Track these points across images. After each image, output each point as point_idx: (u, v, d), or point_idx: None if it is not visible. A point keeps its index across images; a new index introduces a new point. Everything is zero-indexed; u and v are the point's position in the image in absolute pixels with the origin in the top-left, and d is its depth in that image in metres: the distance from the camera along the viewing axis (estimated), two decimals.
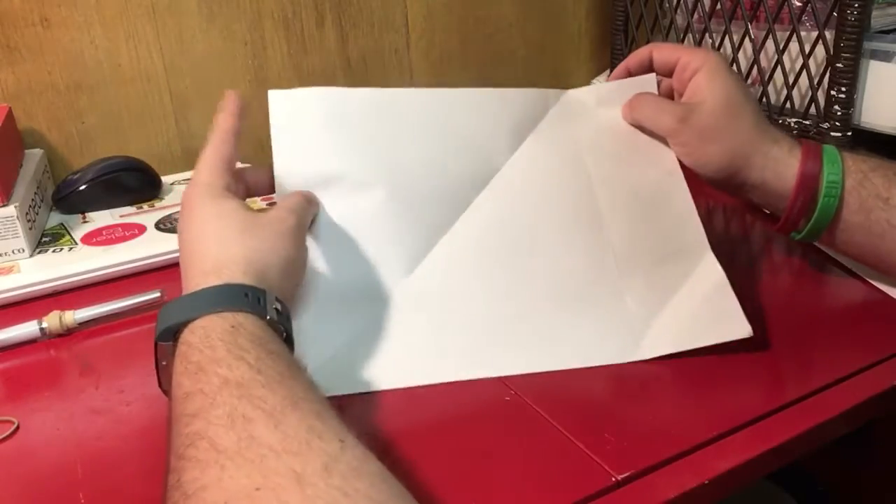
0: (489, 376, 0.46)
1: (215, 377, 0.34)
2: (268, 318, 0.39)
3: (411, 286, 0.50)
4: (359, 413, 0.44)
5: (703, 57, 0.54)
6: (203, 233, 0.43)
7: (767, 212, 0.58)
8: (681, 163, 0.55)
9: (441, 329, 0.49)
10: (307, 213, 0.49)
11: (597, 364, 0.47)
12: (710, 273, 0.50)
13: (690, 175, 0.55)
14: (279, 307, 0.40)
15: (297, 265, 0.46)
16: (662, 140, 0.55)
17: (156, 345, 0.40)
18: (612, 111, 0.56)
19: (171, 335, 0.39)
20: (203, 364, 0.35)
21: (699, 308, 0.49)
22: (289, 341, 0.41)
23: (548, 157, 0.54)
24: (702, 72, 0.53)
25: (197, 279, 0.41)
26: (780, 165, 0.51)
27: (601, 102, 0.56)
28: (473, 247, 0.52)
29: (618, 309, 0.50)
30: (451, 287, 0.51)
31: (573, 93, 0.57)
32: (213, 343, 0.36)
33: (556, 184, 0.54)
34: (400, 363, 0.47)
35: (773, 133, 0.53)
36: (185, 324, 0.38)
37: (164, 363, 0.40)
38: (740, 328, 0.46)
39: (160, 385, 0.41)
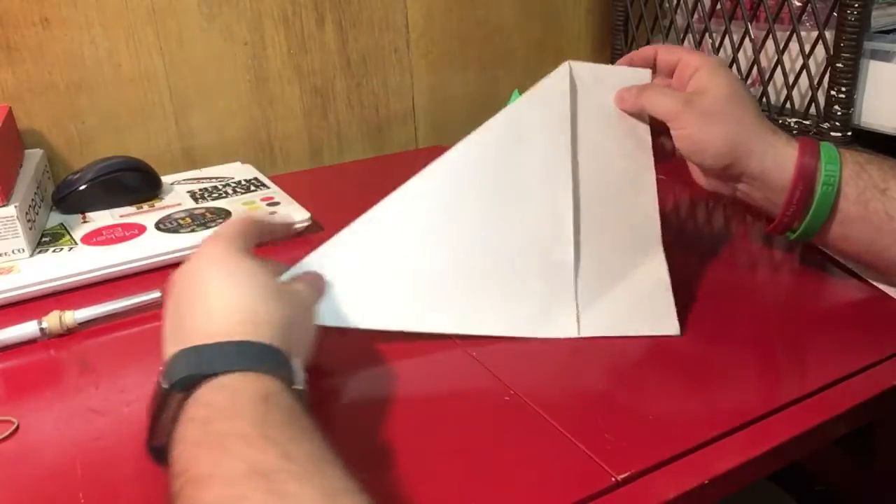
0: (442, 332, 0.49)
1: (240, 461, 0.29)
2: (300, 387, 0.36)
3: (382, 234, 0.51)
4: (358, 413, 0.44)
5: (704, 57, 0.55)
6: (230, 285, 0.39)
7: (759, 215, 0.58)
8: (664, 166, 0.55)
9: (396, 280, 0.50)
10: (319, 295, 0.47)
11: (540, 336, 0.50)
12: (657, 271, 0.53)
13: (685, 180, 0.55)
14: (304, 376, 0.38)
15: (312, 340, 0.44)
16: (645, 136, 0.55)
17: (160, 393, 0.34)
18: (605, 93, 0.56)
19: (185, 386, 0.34)
20: (226, 439, 0.30)
21: (638, 300, 0.52)
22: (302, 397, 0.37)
23: (532, 122, 0.54)
24: (703, 69, 0.54)
25: (223, 327, 0.37)
26: (780, 154, 0.52)
27: (597, 81, 0.56)
28: (444, 200, 0.52)
29: (568, 286, 0.51)
30: (415, 239, 0.51)
31: (575, 66, 0.56)
32: (241, 410, 0.31)
33: (533, 148, 0.53)
34: (359, 305, 0.49)
35: (772, 126, 0.53)
36: (206, 377, 0.33)
37: (165, 415, 0.34)
38: (671, 326, 0.50)
39: (150, 440, 0.35)
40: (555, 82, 0.54)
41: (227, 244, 0.42)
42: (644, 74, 0.57)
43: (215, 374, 0.34)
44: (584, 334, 0.50)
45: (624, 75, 0.57)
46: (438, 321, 0.50)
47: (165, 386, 0.34)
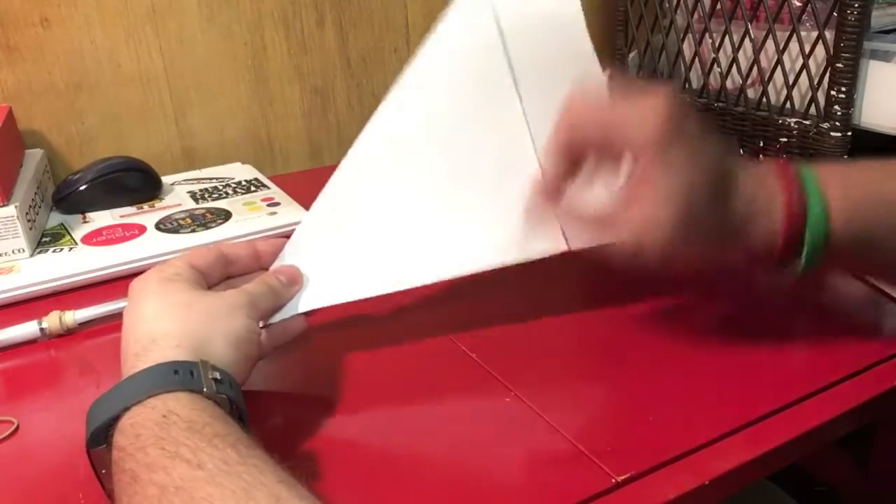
0: (433, 281, 0.48)
1: (152, 487, 0.30)
2: (204, 390, 0.36)
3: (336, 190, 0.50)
4: (357, 414, 0.44)
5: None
6: (140, 314, 0.40)
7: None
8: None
9: (374, 244, 0.49)
10: (266, 297, 0.45)
11: (531, 258, 0.49)
12: None
13: None
14: (218, 375, 0.37)
15: (245, 338, 0.42)
16: (583, 39, 0.52)
17: (88, 452, 0.36)
18: (531, 6, 0.52)
19: (104, 437, 0.35)
20: (137, 472, 0.31)
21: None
22: (238, 409, 0.38)
23: (461, 44, 0.51)
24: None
25: (127, 365, 0.38)
26: (759, 169, 0.44)
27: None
28: (395, 148, 0.50)
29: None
30: (379, 197, 0.50)
31: None
32: (143, 443, 0.32)
33: (469, 71, 0.51)
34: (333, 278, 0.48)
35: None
36: (114, 420, 0.34)
37: (104, 471, 0.35)
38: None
39: (105, 493, 0.36)
40: (472, 3, 0.51)
41: (146, 278, 0.43)
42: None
43: (119, 417, 0.34)
44: (573, 247, 0.49)
45: None
46: (425, 272, 0.49)
47: (86, 448, 0.36)
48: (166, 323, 0.39)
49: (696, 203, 0.41)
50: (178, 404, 0.34)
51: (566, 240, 0.49)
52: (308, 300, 0.47)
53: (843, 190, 0.43)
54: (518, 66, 0.51)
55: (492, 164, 0.50)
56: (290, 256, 0.49)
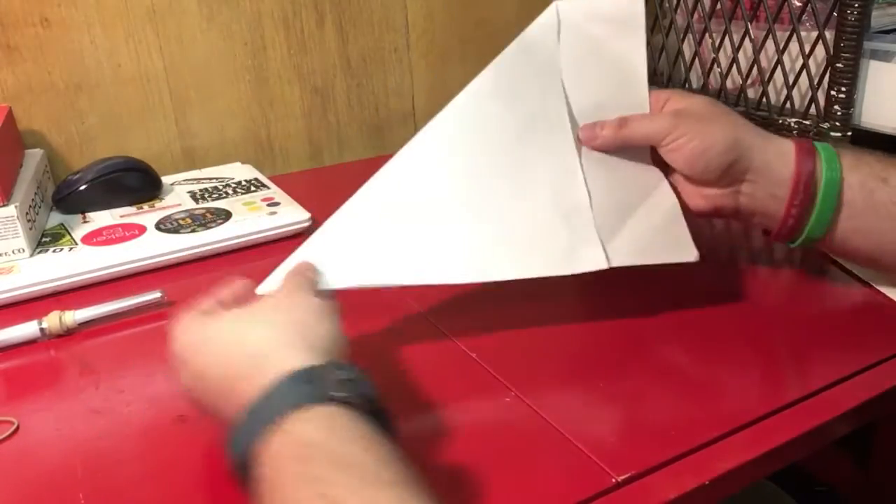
0: (472, 281, 0.49)
1: None
2: (337, 397, 0.34)
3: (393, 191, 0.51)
4: None
5: (669, 90, 0.55)
6: (219, 341, 0.39)
7: (760, 225, 0.57)
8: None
9: (418, 233, 0.50)
10: (313, 283, 0.45)
11: (571, 272, 0.49)
12: (666, 200, 0.53)
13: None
14: (345, 375, 0.35)
15: (331, 310, 0.41)
16: (636, 72, 0.55)
17: (239, 479, 0.35)
18: (596, 27, 0.55)
19: (245, 469, 0.34)
20: None
21: (655, 229, 0.52)
22: (369, 401, 0.36)
23: (524, 69, 0.54)
24: (673, 96, 0.54)
25: (236, 392, 0.36)
26: (779, 145, 0.51)
27: (587, 15, 0.55)
28: (447, 156, 0.52)
29: (588, 222, 0.51)
30: (427, 193, 0.50)
31: (561, 5, 0.55)
32: (286, 479, 0.31)
33: (527, 95, 0.53)
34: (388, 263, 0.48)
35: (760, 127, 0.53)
36: (253, 451, 0.33)
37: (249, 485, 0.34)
38: (690, 252, 0.52)
39: None
40: (541, 25, 0.54)
41: (191, 317, 0.41)
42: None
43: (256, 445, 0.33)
44: (613, 264, 0.50)
45: (614, 4, 0.55)
46: (465, 271, 0.49)
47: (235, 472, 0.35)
48: (262, 333, 0.38)
49: (740, 138, 0.50)
50: (313, 428, 0.33)
51: (607, 258, 0.50)
52: (339, 279, 0.47)
53: (854, 157, 0.50)
54: (572, 90, 0.54)
55: (540, 180, 0.51)
56: (327, 234, 0.49)
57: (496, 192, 0.51)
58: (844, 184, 0.49)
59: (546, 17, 0.55)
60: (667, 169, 0.54)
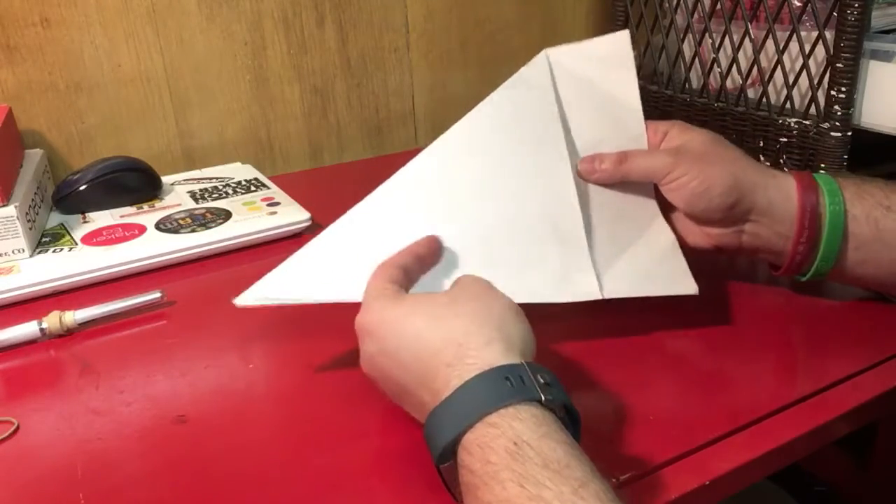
0: None
1: None
2: (543, 400, 0.34)
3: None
4: (356, 415, 0.44)
5: (669, 122, 0.54)
6: (414, 330, 0.39)
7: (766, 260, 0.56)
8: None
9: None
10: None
11: (563, 301, 0.48)
12: (662, 234, 0.54)
13: None
14: (543, 378, 0.35)
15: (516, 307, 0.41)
16: (631, 107, 0.55)
17: (438, 468, 0.36)
18: (586, 69, 0.56)
19: (450, 453, 0.34)
20: None
21: (652, 261, 0.52)
22: (565, 406, 0.36)
23: (520, 104, 0.54)
24: (673, 128, 0.54)
25: (443, 373, 0.36)
26: (781, 183, 0.50)
27: (576, 60, 0.56)
28: (443, 182, 0.52)
29: (583, 252, 0.51)
30: (421, 215, 0.50)
31: (551, 53, 0.56)
32: (497, 474, 0.31)
33: (525, 129, 0.54)
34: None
35: (761, 163, 0.52)
36: (459, 437, 0.34)
37: (455, 484, 0.35)
38: (688, 285, 0.51)
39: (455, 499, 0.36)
40: (535, 65, 0.55)
41: (380, 305, 0.41)
42: (622, 37, 0.56)
43: (463, 433, 0.34)
44: (606, 295, 0.49)
45: (600, 46, 0.56)
46: None
47: (436, 464, 0.35)
48: (463, 324, 0.38)
49: (741, 178, 0.49)
50: (524, 427, 0.33)
51: (600, 288, 0.49)
52: (325, 294, 0.47)
53: (855, 187, 0.50)
54: (569, 122, 0.54)
55: (535, 208, 0.51)
56: (315, 250, 0.49)
57: (489, 217, 0.51)
58: (849, 216, 0.49)
59: (538, 60, 0.56)
60: (668, 205, 0.53)
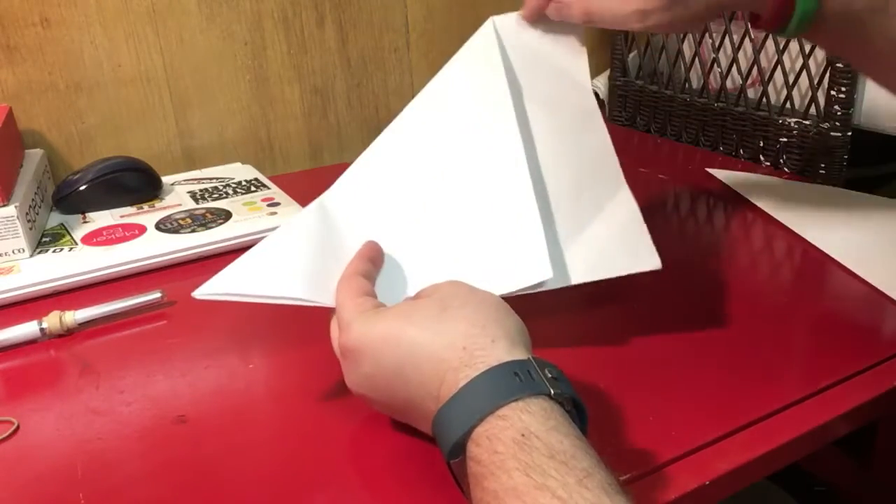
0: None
1: None
2: (552, 393, 0.34)
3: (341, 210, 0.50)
4: (356, 415, 0.44)
5: None
6: (415, 339, 0.38)
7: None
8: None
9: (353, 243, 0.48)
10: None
11: (518, 289, 0.46)
12: (625, 207, 0.51)
13: (686, 180, 0.55)
14: (550, 373, 0.36)
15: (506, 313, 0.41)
16: (584, 76, 0.55)
17: (448, 464, 0.35)
18: (534, 39, 0.55)
19: (460, 448, 0.34)
20: (502, 496, 0.31)
21: (613, 238, 0.50)
22: (572, 399, 0.36)
23: (467, 79, 0.54)
24: None
25: (450, 379, 0.36)
26: None
27: (523, 28, 0.56)
28: (391, 174, 0.51)
29: (538, 234, 0.48)
30: (382, 208, 0.50)
31: (497, 20, 0.56)
32: (504, 463, 0.32)
33: (472, 103, 0.53)
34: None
35: None
36: (470, 431, 0.34)
37: (466, 480, 0.35)
38: (651, 261, 0.48)
39: (467, 500, 0.35)
40: (480, 38, 0.55)
41: (358, 327, 0.40)
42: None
43: (472, 428, 0.34)
44: (569, 283, 0.47)
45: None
46: (412, 286, 0.47)
47: (446, 460, 0.35)
48: (463, 327, 0.37)
49: None
50: (532, 419, 0.33)
51: (561, 274, 0.47)
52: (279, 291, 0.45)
53: None
54: (518, 96, 0.53)
55: (486, 196, 0.50)
56: (268, 248, 0.47)
57: (446, 205, 0.50)
58: None
59: (484, 29, 0.55)
60: None
